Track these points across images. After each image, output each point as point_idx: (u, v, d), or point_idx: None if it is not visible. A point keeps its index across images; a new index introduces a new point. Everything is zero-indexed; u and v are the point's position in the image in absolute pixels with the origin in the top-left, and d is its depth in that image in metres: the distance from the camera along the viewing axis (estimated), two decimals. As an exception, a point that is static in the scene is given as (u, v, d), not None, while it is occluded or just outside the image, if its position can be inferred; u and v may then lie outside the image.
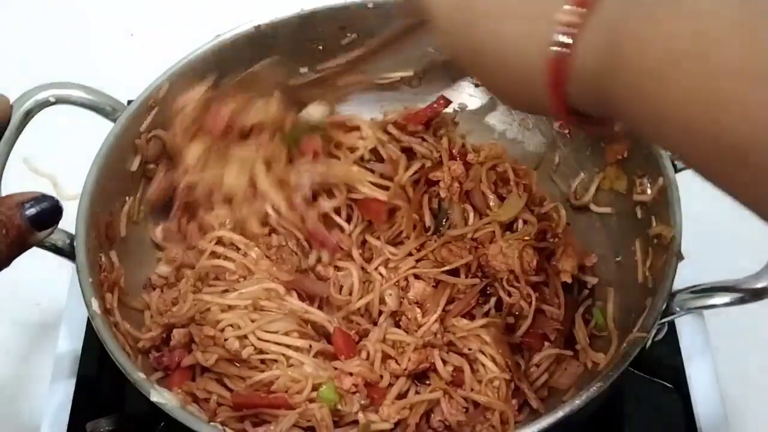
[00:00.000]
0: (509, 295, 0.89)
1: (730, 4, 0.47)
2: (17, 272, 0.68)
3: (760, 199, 0.48)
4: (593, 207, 0.96)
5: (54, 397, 0.90)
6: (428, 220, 0.95)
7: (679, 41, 0.48)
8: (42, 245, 0.82)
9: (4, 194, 0.79)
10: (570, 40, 0.54)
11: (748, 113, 0.45)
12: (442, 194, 0.96)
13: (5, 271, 0.69)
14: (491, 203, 0.95)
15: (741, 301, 0.78)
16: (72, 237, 0.83)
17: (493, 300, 0.89)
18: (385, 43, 0.83)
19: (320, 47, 1.00)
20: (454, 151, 0.99)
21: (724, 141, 0.46)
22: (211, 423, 0.76)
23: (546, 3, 0.56)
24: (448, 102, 1.02)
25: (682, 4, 0.49)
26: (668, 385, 0.92)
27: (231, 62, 0.96)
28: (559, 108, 0.58)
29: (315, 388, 0.81)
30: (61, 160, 1.10)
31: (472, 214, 0.95)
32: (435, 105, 1.01)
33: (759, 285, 0.76)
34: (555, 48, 0.55)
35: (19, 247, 0.70)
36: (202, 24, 1.05)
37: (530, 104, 0.61)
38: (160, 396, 0.73)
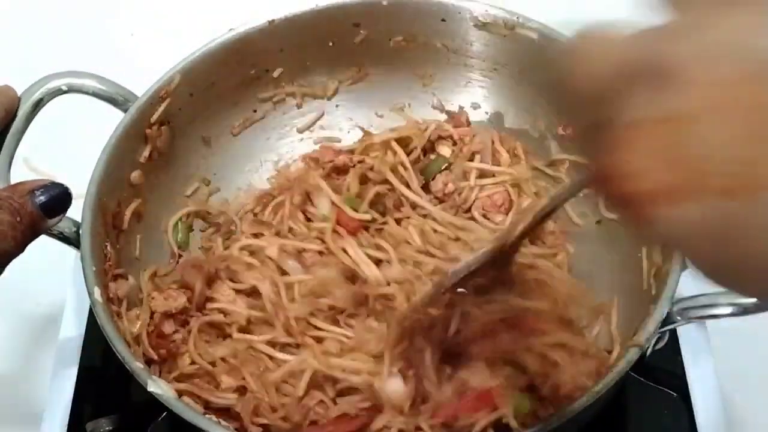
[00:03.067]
0: None
1: None
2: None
3: None
4: (602, 212, 0.96)
5: (55, 394, 0.91)
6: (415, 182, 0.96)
7: None
8: (49, 233, 0.83)
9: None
10: None
11: None
12: (446, 153, 0.97)
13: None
14: (502, 161, 0.97)
15: (743, 312, 0.77)
16: (78, 225, 0.84)
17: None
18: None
19: (331, 44, 1.01)
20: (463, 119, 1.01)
21: None
22: (207, 415, 0.76)
23: None
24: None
25: None
26: (671, 392, 0.91)
27: (243, 56, 0.97)
28: None
29: None
30: (60, 161, 1.12)
31: (474, 174, 0.96)
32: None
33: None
34: None
35: (31, 234, 0.71)
36: (215, 19, 1.05)
37: None
38: (157, 386, 0.73)
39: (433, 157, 0.99)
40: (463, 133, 1.00)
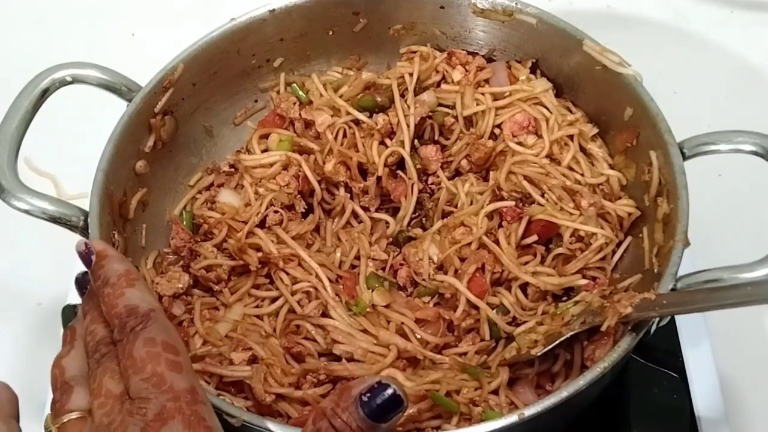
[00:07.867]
0: None
1: None
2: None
3: None
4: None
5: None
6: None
7: None
8: (56, 221, 0.84)
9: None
10: None
11: None
12: (455, 77, 0.99)
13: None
14: (522, 77, 0.98)
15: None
16: (86, 213, 0.84)
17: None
18: None
19: (331, 33, 1.02)
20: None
21: None
22: (220, 396, 0.77)
23: None
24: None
25: None
26: (671, 373, 0.93)
27: (244, 46, 0.98)
28: None
29: None
30: (61, 161, 1.13)
31: (489, 98, 0.97)
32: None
33: (761, 272, 0.77)
34: None
35: None
36: (216, 9, 1.05)
37: None
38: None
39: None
40: (471, 60, 1.01)
